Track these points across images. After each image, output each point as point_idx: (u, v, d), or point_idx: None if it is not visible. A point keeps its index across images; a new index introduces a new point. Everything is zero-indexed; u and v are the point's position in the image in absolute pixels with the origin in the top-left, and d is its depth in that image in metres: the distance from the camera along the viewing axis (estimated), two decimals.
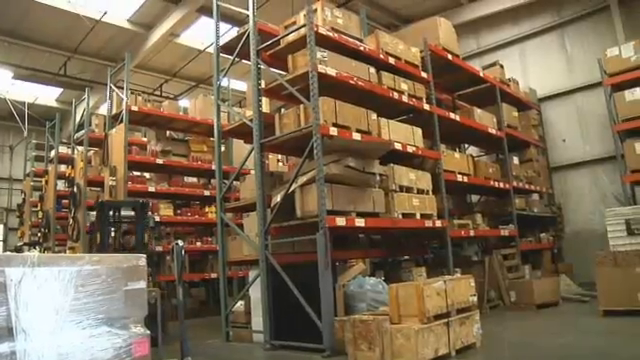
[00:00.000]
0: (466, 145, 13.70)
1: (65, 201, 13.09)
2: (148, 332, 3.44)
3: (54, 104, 19.63)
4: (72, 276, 3.17)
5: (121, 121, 10.89)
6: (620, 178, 11.64)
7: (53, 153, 14.73)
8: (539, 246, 12.61)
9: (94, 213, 12.36)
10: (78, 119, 13.48)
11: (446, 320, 5.82)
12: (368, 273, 8.73)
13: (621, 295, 7.95)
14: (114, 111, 11.58)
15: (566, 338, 6.71)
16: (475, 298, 6.56)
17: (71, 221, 11.74)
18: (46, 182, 14.44)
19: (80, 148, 12.78)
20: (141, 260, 3.57)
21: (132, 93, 11.68)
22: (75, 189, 11.89)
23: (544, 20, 14.30)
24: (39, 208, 14.85)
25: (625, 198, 11.38)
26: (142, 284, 3.51)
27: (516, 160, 12.50)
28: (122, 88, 11.28)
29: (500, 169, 11.63)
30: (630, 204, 10.67)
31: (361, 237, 9.42)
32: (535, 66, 14.44)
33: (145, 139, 14.12)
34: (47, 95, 19.25)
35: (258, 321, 7.56)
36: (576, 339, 6.59)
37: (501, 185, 11.25)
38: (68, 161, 13.06)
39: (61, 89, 18.57)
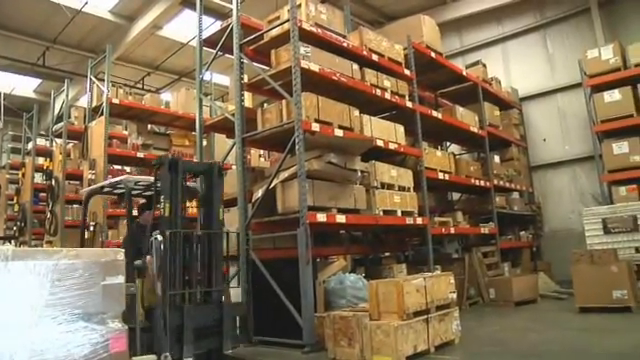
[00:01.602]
0: (448, 143, 13.78)
1: (43, 194, 12.90)
2: (126, 327, 3.40)
3: (32, 95, 19.30)
4: (48, 270, 3.13)
5: (101, 114, 10.74)
6: (598, 178, 11.81)
7: (30, 145, 14.49)
8: (519, 244, 12.74)
9: (77, 206, 12.27)
10: (57, 111, 13.29)
11: (425, 317, 5.86)
12: (349, 270, 8.76)
13: (597, 292, 8.09)
14: (94, 103, 11.40)
15: (543, 334, 6.79)
16: (454, 295, 6.61)
17: (49, 215, 11.58)
18: (23, 175, 14.20)
19: (59, 140, 12.60)
20: (119, 254, 3.53)
21: (113, 85, 11.54)
22: (53, 182, 11.72)
23: (527, 20, 14.42)
24: (15, 201, 14.60)
25: (602, 198, 11.55)
26: (120, 279, 3.48)
27: (497, 159, 12.61)
28: (103, 80, 11.12)
29: (481, 167, 11.72)
30: (607, 204, 10.82)
31: (342, 233, 9.43)
32: (517, 66, 14.56)
33: (126, 132, 13.93)
34: (25, 86, 18.90)
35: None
36: (552, 335, 6.67)
37: (482, 183, 11.34)
38: (46, 154, 12.87)
39: (40, 80, 18.28)
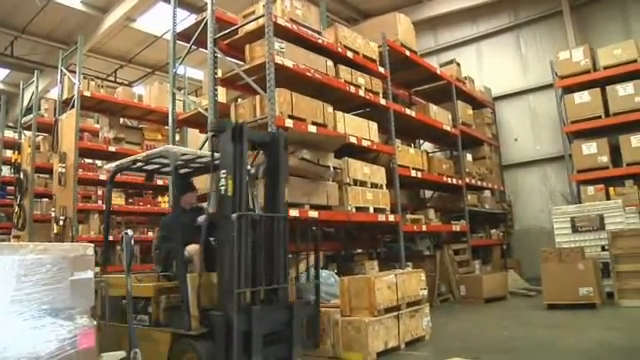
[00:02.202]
0: (421, 141, 13.88)
1: (10, 188, 12.62)
2: (94, 323, 3.35)
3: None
4: (14, 265, 3.06)
5: (72, 106, 10.55)
6: (567, 177, 12.05)
7: None
8: (489, 242, 12.92)
9: (46, 200, 12.02)
10: (26, 102, 13.00)
11: (396, 313, 5.91)
12: (321, 266, 8.75)
13: (564, 289, 8.28)
14: (65, 96, 11.20)
15: (511, 330, 6.91)
16: (425, 292, 6.68)
17: (17, 209, 11.34)
18: None
19: (28, 133, 12.34)
20: (89, 249, 3.47)
21: (85, 78, 11.32)
22: (21, 175, 11.47)
23: (501, 21, 14.60)
24: None
25: (572, 197, 11.79)
26: (89, 274, 3.42)
27: (469, 157, 12.76)
28: (74, 72, 10.91)
29: (454, 165, 11.85)
30: (576, 203, 11.04)
31: (314, 230, 9.41)
32: (491, 65, 14.74)
33: (97, 126, 13.70)
34: None
35: None
36: (520, 331, 6.78)
37: (454, 181, 11.46)
38: (14, 146, 12.59)
39: (7, 70, 17.85)
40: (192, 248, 4.89)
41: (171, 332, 4.62)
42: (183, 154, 5.33)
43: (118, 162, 6.00)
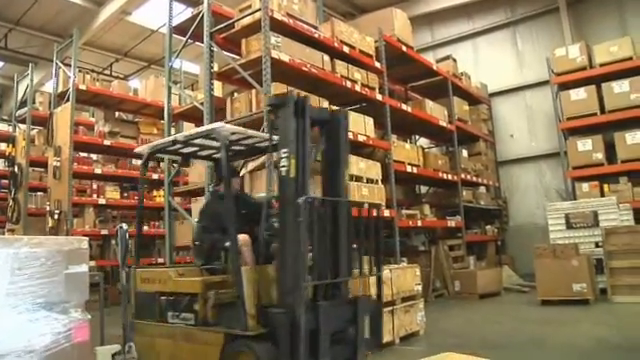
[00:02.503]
0: (417, 136, 13.89)
1: (4, 181, 12.58)
2: (89, 317, 3.35)
3: None
4: (8, 259, 3.05)
5: (67, 100, 10.51)
6: (562, 174, 12.07)
7: None
8: (484, 238, 12.95)
9: (40, 193, 11.96)
10: (21, 95, 12.93)
11: (391, 308, 5.92)
12: None
13: (558, 285, 8.31)
14: (60, 89, 11.15)
15: (505, 326, 6.94)
16: (420, 287, 6.70)
17: (11, 202, 11.30)
18: None
19: (22, 126, 12.28)
20: (83, 243, 3.47)
21: (80, 71, 11.31)
22: (16, 169, 11.44)
23: (497, 17, 14.59)
24: None
25: (566, 193, 11.82)
26: (84, 267, 3.41)
27: (465, 153, 12.78)
28: (69, 65, 10.87)
29: (449, 161, 11.86)
30: (571, 199, 11.07)
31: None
32: (487, 61, 14.73)
33: (93, 119, 13.68)
34: None
35: None
36: (514, 327, 6.82)
37: (450, 177, 11.47)
38: (9, 139, 12.53)
39: (2, 63, 17.74)
40: (241, 238, 4.42)
41: (224, 333, 4.10)
42: (233, 133, 4.80)
43: (153, 143, 5.45)
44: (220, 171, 5.22)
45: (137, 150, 5.63)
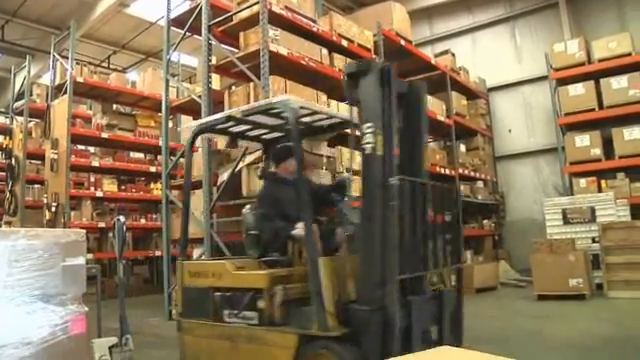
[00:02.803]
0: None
1: (2, 174, 12.57)
2: (86, 309, 3.35)
3: None
4: (5, 251, 3.05)
5: (65, 92, 10.48)
6: (560, 169, 12.09)
7: None
8: (481, 232, 12.98)
9: (38, 186, 11.93)
10: (18, 88, 12.89)
11: None
12: None
13: (554, 280, 8.34)
14: (57, 81, 11.13)
15: (501, 320, 6.97)
16: None
17: (8, 195, 11.29)
18: None
19: (19, 118, 12.26)
20: (81, 235, 3.46)
21: (77, 63, 11.26)
22: (13, 161, 11.42)
23: (496, 12, 14.55)
24: None
25: (564, 189, 11.84)
26: (81, 260, 3.41)
27: (463, 148, 12.78)
28: (67, 58, 10.83)
29: (447, 156, 11.87)
30: (568, 195, 11.09)
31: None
32: (485, 56, 14.70)
33: (90, 112, 13.65)
34: None
35: None
36: (510, 321, 6.85)
37: (447, 172, 11.48)
38: (5, 131, 12.51)
39: None
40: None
41: (298, 334, 3.62)
42: (302, 107, 4.28)
43: (203, 120, 5.00)
44: (275, 154, 4.84)
45: (185, 127, 5.21)
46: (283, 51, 7.26)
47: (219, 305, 4.10)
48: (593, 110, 11.23)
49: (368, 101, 3.61)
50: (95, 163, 11.69)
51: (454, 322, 4.02)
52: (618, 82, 10.95)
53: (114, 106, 12.79)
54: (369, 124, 3.54)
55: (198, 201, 7.90)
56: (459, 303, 4.12)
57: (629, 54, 11.00)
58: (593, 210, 9.38)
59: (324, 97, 7.88)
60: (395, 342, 3.26)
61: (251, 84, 7.29)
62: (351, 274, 3.63)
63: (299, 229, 3.94)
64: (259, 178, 5.25)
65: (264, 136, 5.16)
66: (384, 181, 3.47)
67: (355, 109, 3.84)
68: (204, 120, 4.87)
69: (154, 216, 12.54)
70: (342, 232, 4.18)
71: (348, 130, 4.17)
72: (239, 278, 4.05)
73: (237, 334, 3.96)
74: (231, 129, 4.88)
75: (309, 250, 3.69)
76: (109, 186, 11.96)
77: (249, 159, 7.06)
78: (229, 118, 4.48)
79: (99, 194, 11.65)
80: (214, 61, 8.08)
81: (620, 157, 10.84)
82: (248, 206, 4.88)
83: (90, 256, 10.13)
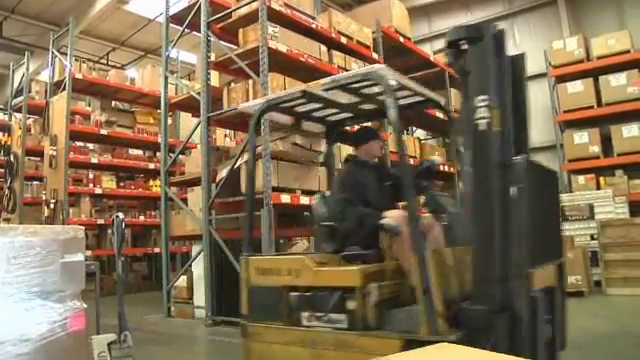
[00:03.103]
0: (413, 128, 13.88)
1: (0, 170, 12.57)
2: (85, 306, 3.35)
3: None
4: (3, 248, 3.05)
5: (64, 89, 10.46)
6: (559, 166, 12.10)
7: None
8: None
9: (36, 183, 11.93)
10: (16, 84, 12.87)
11: None
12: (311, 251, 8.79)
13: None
14: (56, 78, 11.11)
15: None
16: None
17: (7, 191, 11.29)
18: None
19: (18, 115, 12.25)
20: (79, 232, 3.46)
21: (76, 60, 11.24)
22: (12, 158, 11.41)
23: (495, 9, 14.54)
24: None
25: (562, 186, 11.84)
26: (80, 257, 3.40)
27: None
28: (65, 54, 10.81)
29: (446, 153, 11.86)
30: (567, 192, 11.11)
31: (306, 215, 9.44)
32: None
33: (89, 108, 13.64)
34: None
35: (200, 297, 7.52)
36: None
37: (447, 168, 11.49)
38: (4, 128, 12.50)
39: None
40: (398, 215, 3.55)
41: (402, 338, 3.11)
42: (397, 80, 3.75)
43: (274, 95, 4.53)
44: (356, 136, 4.49)
45: (245, 105, 4.50)
46: (282, 48, 7.25)
47: (296, 307, 3.63)
48: (592, 107, 11.25)
49: (481, 71, 3.16)
50: (94, 160, 11.70)
51: (559, 321, 3.54)
52: (617, 79, 10.97)
53: (113, 103, 12.78)
54: (482, 97, 3.10)
55: (197, 198, 7.93)
56: (565, 301, 3.71)
57: (628, 51, 11.01)
58: (592, 207, 9.39)
59: None
60: (523, 346, 2.85)
61: (250, 81, 7.28)
62: (457, 269, 3.28)
63: (391, 218, 3.56)
64: (342, 163, 4.81)
65: (330, 117, 4.64)
66: (504, 161, 3.04)
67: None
68: (274, 96, 4.32)
69: (153, 213, 12.56)
70: (433, 222, 3.81)
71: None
72: (323, 275, 3.55)
73: (320, 340, 3.46)
74: (297, 108, 4.33)
75: (414, 242, 3.19)
76: (108, 183, 11.97)
77: (248, 156, 7.06)
78: (304, 93, 3.95)
79: (98, 191, 11.66)
80: (213, 58, 8.07)
81: (619, 154, 10.86)
82: (318, 195, 4.47)
83: (89, 253, 10.15)
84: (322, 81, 3.83)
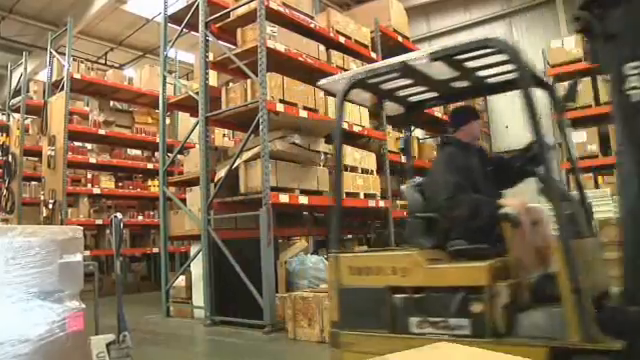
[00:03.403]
0: (412, 127, 13.87)
1: None
2: (83, 306, 3.35)
3: None
4: (2, 248, 3.05)
5: (62, 89, 10.44)
6: (557, 165, 12.11)
7: None
8: None
9: (35, 183, 11.90)
10: (14, 84, 12.86)
11: None
12: (310, 251, 8.81)
13: None
14: (54, 78, 11.08)
15: None
16: None
17: (5, 192, 11.28)
18: None
19: (16, 115, 12.23)
20: (78, 232, 3.46)
21: (75, 60, 11.22)
22: (10, 158, 11.40)
23: (493, 8, 14.56)
24: None
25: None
26: (79, 257, 3.41)
27: None
28: (64, 54, 10.80)
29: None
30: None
31: (304, 215, 9.46)
32: None
33: (87, 108, 13.62)
34: None
35: (199, 297, 7.52)
36: None
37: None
38: (2, 128, 12.47)
39: None
40: (519, 204, 3.25)
41: (548, 347, 2.69)
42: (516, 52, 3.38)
43: (370, 66, 4.03)
44: (456, 116, 4.04)
45: (326, 80, 4.03)
46: (281, 48, 7.25)
47: (403, 311, 3.18)
48: (590, 106, 11.24)
49: (635, 32, 2.68)
50: (92, 160, 11.69)
51: None
52: None
53: (111, 103, 12.76)
54: (636, 63, 2.66)
55: (195, 197, 7.93)
56: None
57: None
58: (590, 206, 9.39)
59: (321, 94, 7.88)
60: None
61: (248, 81, 7.28)
62: (592, 263, 2.99)
63: (512, 206, 3.20)
64: (438, 145, 4.56)
65: (414, 97, 4.22)
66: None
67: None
68: (370, 67, 3.86)
69: (151, 213, 12.54)
70: (543, 212, 3.52)
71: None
72: (440, 274, 3.10)
73: None
74: (382, 85, 3.90)
75: (561, 233, 2.87)
76: (106, 183, 11.95)
77: (246, 156, 7.06)
78: (404, 65, 3.51)
79: (96, 191, 11.65)
80: (211, 58, 8.06)
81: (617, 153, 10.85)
82: (410, 181, 4.06)
83: (87, 253, 10.15)
84: (429, 50, 3.46)
